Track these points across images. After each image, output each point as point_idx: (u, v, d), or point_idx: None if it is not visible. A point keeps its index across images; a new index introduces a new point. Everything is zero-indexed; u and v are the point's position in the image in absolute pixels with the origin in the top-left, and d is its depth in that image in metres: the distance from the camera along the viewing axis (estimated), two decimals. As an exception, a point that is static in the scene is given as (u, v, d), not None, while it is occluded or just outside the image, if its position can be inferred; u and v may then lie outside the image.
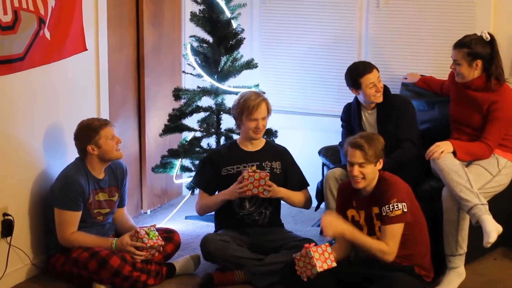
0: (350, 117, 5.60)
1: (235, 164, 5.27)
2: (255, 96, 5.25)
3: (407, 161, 5.25)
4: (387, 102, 5.42)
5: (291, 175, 5.36)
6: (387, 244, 4.54)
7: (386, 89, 5.47)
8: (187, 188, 6.16)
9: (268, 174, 5.12)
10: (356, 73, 5.41)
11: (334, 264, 4.52)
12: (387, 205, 4.52)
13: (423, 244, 4.76)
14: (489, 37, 5.13)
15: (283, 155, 5.40)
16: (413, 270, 4.63)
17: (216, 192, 5.35)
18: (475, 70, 5.13)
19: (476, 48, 5.10)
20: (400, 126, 5.30)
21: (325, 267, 4.48)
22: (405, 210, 4.52)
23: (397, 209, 4.51)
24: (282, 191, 5.24)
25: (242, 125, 5.26)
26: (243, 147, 5.33)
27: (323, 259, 4.49)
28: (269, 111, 5.30)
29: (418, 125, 5.47)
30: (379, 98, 5.40)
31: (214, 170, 5.29)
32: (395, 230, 4.54)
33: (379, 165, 4.65)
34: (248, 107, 5.19)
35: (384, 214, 4.53)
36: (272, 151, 5.36)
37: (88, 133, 5.01)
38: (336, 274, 4.57)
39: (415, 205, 4.70)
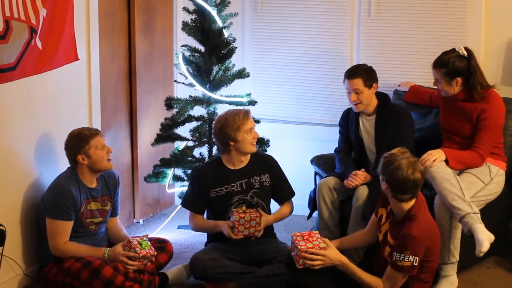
0: (348, 122, 5.59)
1: (224, 185, 5.19)
2: (236, 110, 5.18)
3: None
4: (386, 110, 5.43)
5: (279, 186, 5.32)
6: (385, 286, 4.48)
7: (385, 97, 5.48)
8: (180, 197, 6.15)
9: (259, 214, 5.05)
10: (344, 74, 5.48)
11: (322, 245, 4.52)
12: (399, 254, 4.38)
13: (429, 278, 4.69)
14: (466, 53, 5.13)
15: (271, 165, 5.33)
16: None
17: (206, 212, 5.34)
18: (455, 86, 5.15)
19: (454, 67, 5.11)
20: (398, 136, 5.29)
21: (310, 246, 4.50)
22: (415, 264, 4.37)
23: (407, 260, 4.36)
24: (270, 220, 5.21)
25: (238, 142, 5.10)
26: (229, 166, 5.22)
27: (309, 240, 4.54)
28: None
29: (414, 137, 5.45)
30: (355, 108, 5.44)
31: (201, 192, 5.22)
32: (398, 278, 4.45)
33: None
34: (241, 119, 5.09)
35: (394, 259, 4.41)
36: (259, 164, 5.28)
37: (78, 142, 5.00)
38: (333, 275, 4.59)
39: (436, 246, 4.59)
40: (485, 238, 4.71)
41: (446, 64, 5.12)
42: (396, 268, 4.41)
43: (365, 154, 5.52)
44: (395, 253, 4.41)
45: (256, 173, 5.24)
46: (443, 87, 5.19)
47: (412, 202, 4.49)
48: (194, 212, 5.27)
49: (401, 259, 4.37)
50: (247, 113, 5.15)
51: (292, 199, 5.39)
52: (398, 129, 5.33)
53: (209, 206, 5.26)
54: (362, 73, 5.42)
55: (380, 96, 5.50)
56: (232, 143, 5.12)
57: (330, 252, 4.50)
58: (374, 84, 5.43)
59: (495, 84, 5.30)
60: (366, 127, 5.49)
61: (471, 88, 5.12)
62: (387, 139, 5.28)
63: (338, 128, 5.85)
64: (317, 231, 4.65)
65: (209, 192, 5.19)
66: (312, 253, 4.48)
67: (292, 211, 5.37)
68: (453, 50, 5.18)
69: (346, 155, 5.56)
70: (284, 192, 5.34)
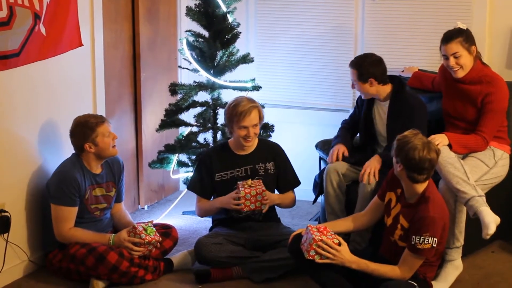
0: (363, 102, 5.49)
1: (228, 170, 5.23)
2: (246, 102, 5.15)
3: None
4: (400, 99, 5.29)
5: (284, 174, 5.33)
6: (402, 271, 4.44)
7: (400, 83, 5.35)
8: (184, 183, 6.16)
9: (265, 189, 5.08)
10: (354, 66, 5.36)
11: (336, 241, 4.44)
12: (418, 236, 4.37)
13: (436, 261, 4.68)
14: (465, 26, 5.12)
15: (277, 154, 5.34)
16: (416, 275, 4.54)
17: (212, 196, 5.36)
18: (473, 57, 5.10)
19: (469, 34, 5.09)
20: (409, 127, 5.14)
21: (324, 238, 4.41)
22: (434, 245, 4.38)
23: (427, 243, 4.36)
24: (276, 199, 5.23)
25: (234, 132, 5.17)
26: (235, 151, 5.26)
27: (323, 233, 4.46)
28: (261, 118, 5.20)
29: (427, 129, 5.23)
30: (363, 96, 5.37)
31: (207, 175, 5.25)
32: (416, 261, 4.44)
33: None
34: (238, 113, 5.09)
35: (413, 242, 4.40)
36: (265, 151, 5.30)
37: (85, 131, 4.99)
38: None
39: (447, 226, 4.59)
40: (491, 221, 4.70)
41: (462, 33, 5.07)
42: (415, 252, 4.40)
43: (373, 137, 5.45)
44: (413, 236, 4.39)
45: (262, 160, 5.26)
46: (462, 61, 5.06)
47: (426, 183, 4.50)
48: (200, 195, 5.29)
49: (420, 241, 4.37)
50: (249, 109, 5.11)
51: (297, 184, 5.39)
52: (411, 121, 5.11)
53: (215, 190, 5.26)
54: (362, 65, 5.29)
55: (395, 82, 5.36)
56: (230, 130, 5.21)
57: (343, 250, 4.45)
58: (371, 79, 5.26)
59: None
60: (380, 112, 5.40)
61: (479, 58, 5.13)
62: (398, 127, 5.11)
63: (342, 113, 5.86)
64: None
65: (215, 175, 5.20)
66: (326, 244, 4.41)
67: (295, 201, 5.38)
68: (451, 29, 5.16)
69: (346, 130, 5.55)
70: (287, 181, 5.35)
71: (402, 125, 5.02)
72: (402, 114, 5.24)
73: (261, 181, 5.14)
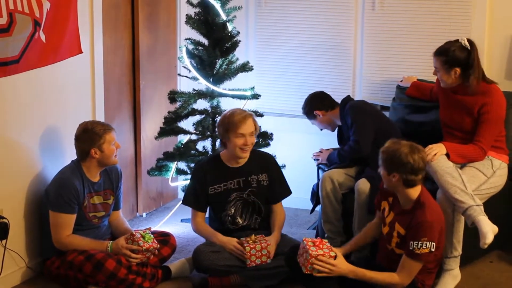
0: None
1: (222, 182, 5.20)
2: (241, 111, 5.17)
3: (350, 156, 5.44)
4: (343, 110, 5.57)
5: (276, 186, 5.29)
6: (401, 277, 4.46)
7: (346, 99, 5.65)
8: (183, 191, 6.15)
9: (269, 243, 5.04)
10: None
11: (332, 253, 4.47)
12: (416, 241, 4.40)
13: (434, 268, 4.69)
14: (468, 45, 5.12)
15: (270, 165, 5.32)
16: (414, 283, 4.55)
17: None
18: (453, 77, 5.13)
19: (454, 56, 5.10)
20: (353, 126, 5.42)
21: (320, 252, 4.44)
22: (433, 250, 4.40)
23: (425, 247, 4.38)
24: (278, 236, 5.17)
25: (229, 143, 5.11)
26: (227, 163, 5.22)
27: (319, 247, 4.48)
28: (256, 128, 5.17)
29: (367, 126, 5.40)
30: (327, 128, 5.83)
31: (201, 189, 5.21)
32: (415, 267, 4.45)
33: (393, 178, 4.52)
34: (235, 121, 5.07)
35: (411, 248, 4.41)
36: (258, 163, 5.26)
37: (92, 136, 5.00)
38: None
39: (444, 230, 4.62)
40: (489, 230, 4.71)
41: (446, 53, 5.12)
42: (414, 257, 4.42)
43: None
44: (411, 242, 4.41)
45: (254, 172, 5.24)
46: (442, 76, 5.18)
47: (420, 188, 4.53)
48: (195, 209, 5.24)
49: (418, 246, 4.39)
50: (245, 117, 5.12)
51: (296, 193, 5.37)
52: (352, 121, 5.43)
53: (209, 203, 5.25)
54: (305, 105, 5.81)
55: (342, 100, 5.67)
56: (224, 141, 5.16)
57: (339, 263, 4.46)
58: (315, 112, 5.71)
59: (497, 82, 5.28)
60: None
61: (467, 80, 5.10)
62: (347, 132, 5.52)
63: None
64: (326, 240, 4.60)
65: (208, 189, 5.19)
66: (322, 261, 4.43)
67: (284, 214, 5.34)
68: (457, 40, 5.17)
69: None
70: (279, 192, 5.32)
71: (348, 129, 5.43)
72: (346, 120, 5.52)
73: (263, 235, 5.12)
